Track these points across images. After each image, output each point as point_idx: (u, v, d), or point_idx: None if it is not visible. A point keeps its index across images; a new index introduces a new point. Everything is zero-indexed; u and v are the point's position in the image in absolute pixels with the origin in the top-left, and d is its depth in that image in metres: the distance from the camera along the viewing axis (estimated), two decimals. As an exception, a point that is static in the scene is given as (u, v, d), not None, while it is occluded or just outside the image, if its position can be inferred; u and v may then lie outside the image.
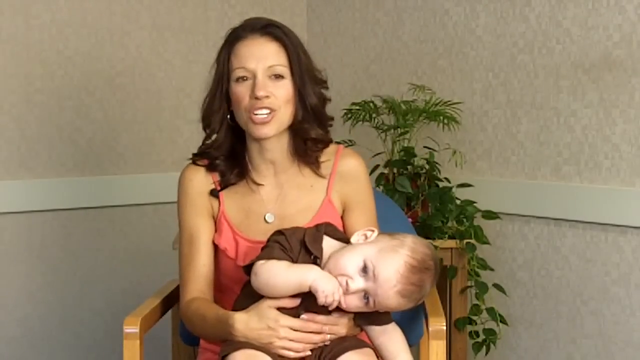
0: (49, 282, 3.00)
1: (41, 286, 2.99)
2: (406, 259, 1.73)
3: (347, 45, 3.32)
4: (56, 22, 2.96)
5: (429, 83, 2.99)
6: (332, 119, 2.01)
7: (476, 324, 2.71)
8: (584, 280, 2.64)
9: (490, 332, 2.68)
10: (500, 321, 2.68)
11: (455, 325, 2.71)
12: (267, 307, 1.76)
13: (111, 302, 3.09)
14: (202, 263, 1.96)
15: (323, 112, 1.98)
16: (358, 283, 1.73)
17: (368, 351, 1.81)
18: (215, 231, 1.98)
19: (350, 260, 1.74)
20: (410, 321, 2.13)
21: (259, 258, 1.77)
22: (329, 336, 1.79)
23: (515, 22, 2.78)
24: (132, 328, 1.91)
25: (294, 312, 1.77)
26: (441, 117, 2.81)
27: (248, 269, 1.79)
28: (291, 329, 1.75)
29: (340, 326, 1.80)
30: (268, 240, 1.81)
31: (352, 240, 1.80)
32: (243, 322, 1.76)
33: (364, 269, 1.73)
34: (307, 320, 1.77)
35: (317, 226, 1.83)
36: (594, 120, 2.58)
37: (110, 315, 3.06)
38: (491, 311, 2.68)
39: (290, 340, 1.75)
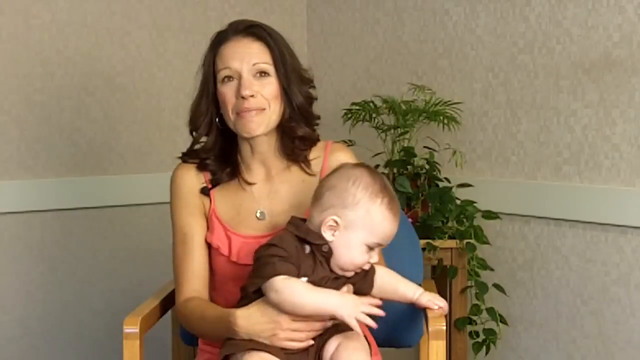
0: (48, 282, 3.00)
1: (41, 286, 2.99)
2: (383, 206, 1.79)
3: (347, 45, 3.32)
4: (56, 22, 2.96)
5: (429, 83, 2.99)
6: (318, 117, 2.02)
7: (476, 324, 2.71)
8: (584, 280, 2.64)
9: (490, 332, 2.68)
10: (500, 321, 2.68)
11: (455, 325, 2.71)
12: (268, 302, 1.76)
13: (111, 302, 3.09)
14: (197, 262, 1.96)
15: (310, 110, 1.99)
16: (374, 256, 1.82)
17: (354, 334, 1.80)
18: (208, 229, 1.99)
19: (355, 253, 1.79)
20: (410, 321, 2.13)
21: (261, 277, 1.75)
22: (330, 322, 1.80)
23: (515, 22, 2.77)
24: (132, 328, 1.91)
25: None
26: (441, 117, 2.81)
27: (245, 290, 1.80)
28: (293, 319, 1.76)
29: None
30: (258, 258, 1.79)
31: (327, 238, 1.79)
32: (245, 317, 1.77)
33: (371, 249, 1.80)
34: None
35: (293, 223, 1.82)
36: (594, 120, 2.58)
37: (110, 315, 3.06)
38: (491, 311, 2.68)
39: (294, 330, 1.76)
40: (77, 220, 3.04)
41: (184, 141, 3.17)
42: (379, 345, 2.06)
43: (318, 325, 1.78)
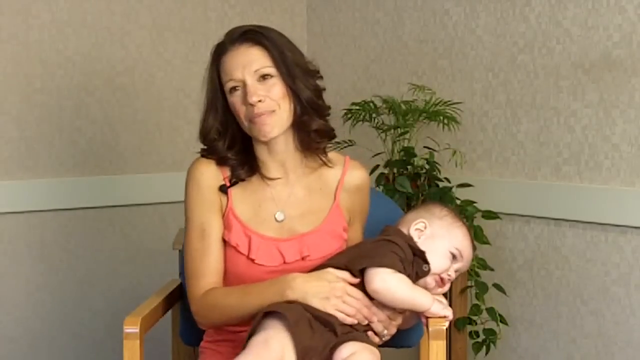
0: (48, 282, 3.00)
1: (41, 286, 2.99)
2: (464, 228, 1.97)
3: (347, 45, 3.32)
4: (56, 22, 2.97)
5: (429, 83, 2.99)
6: (329, 107, 2.03)
7: (476, 324, 2.71)
8: (584, 280, 2.64)
9: (490, 332, 2.68)
10: (500, 321, 2.68)
11: (455, 325, 2.71)
12: (328, 272, 1.86)
13: (111, 302, 3.09)
14: (215, 258, 1.96)
15: (319, 103, 1.99)
16: (453, 272, 1.95)
17: (371, 348, 1.84)
18: (224, 227, 1.98)
19: (440, 258, 1.92)
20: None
21: (380, 260, 1.86)
22: (385, 332, 1.90)
23: (515, 22, 2.78)
24: (132, 328, 1.91)
25: None
26: (441, 117, 2.81)
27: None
28: (347, 293, 1.84)
29: (395, 322, 1.93)
30: (378, 245, 1.90)
31: (415, 237, 1.93)
32: (303, 277, 1.85)
33: (454, 258, 1.94)
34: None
35: (403, 236, 1.93)
36: (594, 120, 2.58)
37: (110, 315, 3.06)
38: (491, 311, 2.68)
39: (344, 302, 1.83)
40: (77, 220, 3.04)
41: (184, 141, 3.20)
42: (379, 345, 2.06)
43: (365, 311, 1.85)
